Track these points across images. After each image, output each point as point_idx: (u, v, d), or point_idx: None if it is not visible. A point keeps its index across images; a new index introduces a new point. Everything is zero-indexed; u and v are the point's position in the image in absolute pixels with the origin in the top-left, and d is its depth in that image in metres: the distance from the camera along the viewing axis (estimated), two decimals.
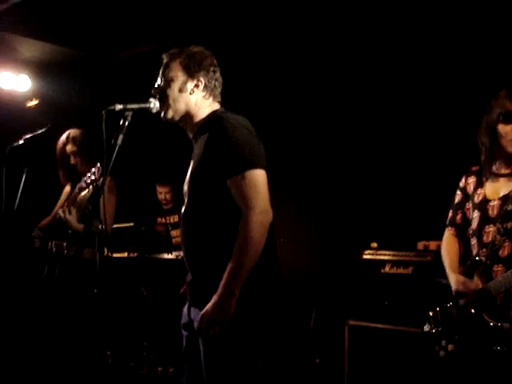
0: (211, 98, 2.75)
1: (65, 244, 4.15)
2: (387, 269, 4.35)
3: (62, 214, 3.95)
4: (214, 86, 2.75)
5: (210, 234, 2.55)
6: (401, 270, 4.28)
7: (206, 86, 2.73)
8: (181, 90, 2.71)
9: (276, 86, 5.36)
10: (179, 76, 2.72)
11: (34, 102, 5.47)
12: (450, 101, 4.53)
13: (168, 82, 2.71)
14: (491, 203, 2.88)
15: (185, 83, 2.71)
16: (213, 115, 2.71)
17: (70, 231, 4.05)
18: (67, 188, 4.45)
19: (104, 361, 4.47)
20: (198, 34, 5.01)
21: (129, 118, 2.69)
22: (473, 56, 4.37)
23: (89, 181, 3.74)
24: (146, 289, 5.41)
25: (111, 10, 4.91)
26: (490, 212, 2.87)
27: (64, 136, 4.32)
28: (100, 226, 2.74)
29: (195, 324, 2.51)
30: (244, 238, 2.41)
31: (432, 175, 4.57)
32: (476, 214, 2.92)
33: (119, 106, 2.66)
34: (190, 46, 2.79)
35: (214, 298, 2.40)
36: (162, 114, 2.74)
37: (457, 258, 3.02)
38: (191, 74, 2.72)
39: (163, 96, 2.72)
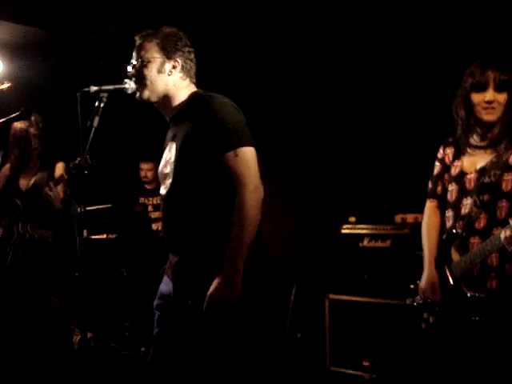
0: (188, 79, 2.75)
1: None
2: (365, 242, 4.39)
3: (49, 192, 3.97)
4: (190, 66, 2.75)
5: (200, 214, 2.58)
6: (379, 244, 4.33)
7: (183, 67, 2.72)
8: (159, 71, 2.70)
9: (253, 66, 5.35)
10: (156, 57, 2.70)
11: (6, 85, 5.38)
12: (424, 72, 4.54)
13: (145, 63, 2.69)
14: (468, 176, 2.89)
15: (162, 64, 2.69)
16: (195, 96, 2.71)
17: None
18: (6, 168, 4.42)
19: (86, 343, 4.50)
20: (171, 10, 4.98)
21: (104, 100, 2.67)
22: (442, 23, 4.40)
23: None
24: (126, 270, 5.41)
25: None
26: (467, 185, 2.88)
27: (29, 118, 4.30)
28: (79, 209, 2.73)
29: (189, 302, 2.53)
30: (242, 215, 2.45)
31: (408, 147, 4.60)
32: (453, 187, 2.94)
33: (94, 88, 2.65)
34: (162, 26, 2.78)
35: (220, 277, 2.42)
36: (138, 95, 2.72)
37: (436, 237, 3.03)
38: (168, 54, 2.70)
39: (140, 77, 2.70)
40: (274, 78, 5.31)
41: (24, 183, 4.33)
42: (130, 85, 2.73)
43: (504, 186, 2.79)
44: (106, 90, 2.67)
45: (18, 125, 4.32)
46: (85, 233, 4.11)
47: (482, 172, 2.86)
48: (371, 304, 4.24)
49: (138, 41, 2.75)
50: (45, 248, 4.25)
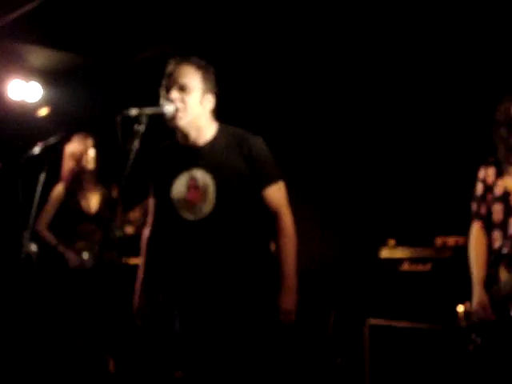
0: (211, 114, 2.88)
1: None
2: (405, 266, 4.32)
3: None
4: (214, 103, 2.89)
5: (244, 237, 2.81)
6: (419, 267, 4.25)
7: (214, 102, 2.86)
8: (200, 102, 2.80)
9: (281, 86, 5.35)
10: (199, 87, 2.79)
11: (45, 111, 5.46)
12: (463, 95, 4.49)
13: (188, 91, 2.76)
14: None
15: (202, 96, 2.80)
16: (228, 129, 2.88)
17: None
18: (60, 189, 4.46)
19: (123, 367, 4.49)
20: (205, 36, 5.01)
21: (144, 123, 2.67)
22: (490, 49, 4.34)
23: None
24: (162, 294, 5.39)
25: (119, 16, 4.91)
26: None
27: (85, 140, 4.38)
28: (118, 233, 2.74)
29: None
30: (289, 239, 2.82)
31: (448, 169, 4.54)
32: (498, 207, 2.90)
33: (134, 111, 2.65)
34: (192, 57, 2.86)
35: (287, 292, 2.76)
36: (175, 120, 2.76)
37: (484, 258, 3.00)
38: (208, 88, 2.83)
39: (182, 102, 2.74)
40: (301, 101, 5.31)
41: (86, 205, 4.38)
42: (169, 109, 2.74)
43: None
44: (145, 113, 2.68)
45: (74, 146, 4.39)
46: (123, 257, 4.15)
47: None
48: (412, 329, 4.16)
49: (176, 65, 2.79)
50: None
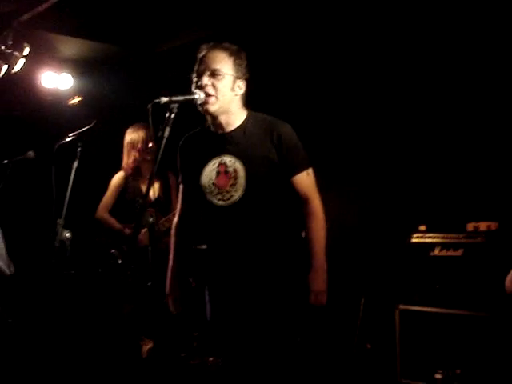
0: (243, 100, 2.91)
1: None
2: (436, 252, 4.29)
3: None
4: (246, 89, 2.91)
5: (274, 222, 2.85)
6: (451, 253, 4.22)
7: (245, 89, 2.89)
8: (231, 89, 2.81)
9: (306, 72, 5.33)
10: (230, 73, 2.81)
11: (76, 100, 5.52)
12: (494, 87, 4.44)
13: (220, 77, 2.78)
14: None
15: (234, 82, 2.81)
16: (259, 116, 2.91)
17: None
18: (120, 176, 4.52)
19: (156, 352, 4.54)
20: (235, 23, 5.01)
21: (175, 110, 2.69)
22: None
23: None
24: (195, 280, 5.44)
25: (148, 5, 4.93)
26: None
27: (144, 130, 4.44)
28: (151, 220, 2.77)
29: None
30: (320, 222, 2.87)
31: (479, 155, 4.49)
32: None
33: (165, 99, 2.67)
34: (225, 43, 2.87)
35: (318, 274, 2.82)
36: (206, 107, 2.78)
37: None
38: (239, 74, 2.85)
39: (213, 88, 2.75)
40: (331, 88, 5.29)
41: (152, 194, 4.45)
42: (199, 95, 2.76)
43: None
44: (176, 101, 2.69)
45: (134, 136, 4.45)
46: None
47: None
48: (443, 315, 4.14)
49: (208, 51, 2.79)
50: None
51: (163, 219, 4.41)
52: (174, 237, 3.05)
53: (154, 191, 4.45)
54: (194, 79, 2.84)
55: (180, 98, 2.72)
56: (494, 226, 3.83)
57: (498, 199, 3.10)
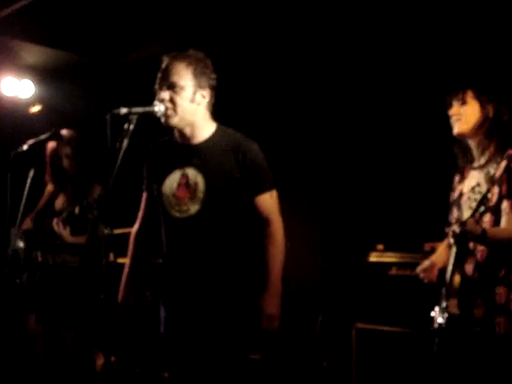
0: (209, 110, 2.87)
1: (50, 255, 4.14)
2: (394, 271, 4.32)
3: (56, 228, 3.94)
4: (213, 96, 2.87)
5: (229, 240, 2.81)
6: (407, 272, 4.26)
7: (210, 98, 2.84)
8: (191, 101, 2.77)
9: (272, 86, 5.34)
10: (189, 85, 2.77)
11: (37, 108, 5.45)
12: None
13: (177, 90, 2.75)
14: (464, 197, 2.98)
15: (194, 93, 2.78)
16: (227, 132, 2.88)
17: (59, 242, 4.05)
18: (50, 187, 4.42)
19: (109, 367, 4.47)
20: (201, 35, 5.00)
21: (133, 122, 2.66)
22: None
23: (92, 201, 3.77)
24: (151, 294, 5.38)
25: (113, 15, 4.90)
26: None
27: (59, 138, 4.28)
28: (106, 231, 2.72)
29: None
30: (278, 245, 2.83)
31: (437, 175, 4.53)
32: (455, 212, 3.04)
33: (124, 110, 2.65)
34: (189, 50, 2.83)
35: (271, 298, 2.77)
36: (165, 120, 2.77)
37: None
38: (200, 84, 2.79)
39: (171, 102, 2.73)
40: (289, 99, 5.30)
41: (58, 204, 4.32)
42: (159, 108, 2.74)
43: None
44: (135, 113, 2.67)
45: (49, 144, 4.32)
46: (111, 256, 4.12)
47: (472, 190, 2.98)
48: (399, 334, 4.16)
49: (168, 62, 2.78)
50: (70, 273, 4.19)
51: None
52: (131, 245, 3.02)
53: (62, 204, 4.31)
54: (156, 92, 2.82)
55: (139, 109, 2.70)
56: None
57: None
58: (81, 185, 4.25)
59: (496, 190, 2.80)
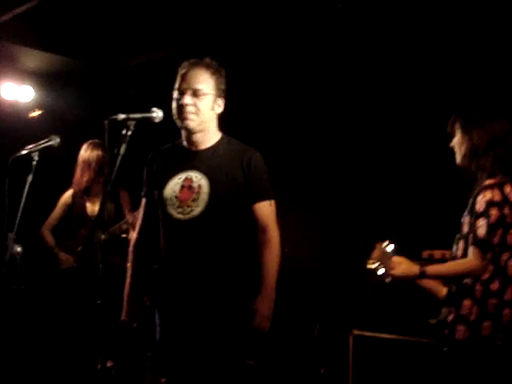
0: (217, 120, 2.93)
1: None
2: (392, 278, 4.30)
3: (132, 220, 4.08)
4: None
5: (229, 242, 2.86)
6: None
7: (223, 107, 2.92)
8: (211, 108, 2.85)
9: (269, 84, 5.35)
10: (211, 93, 2.84)
11: (36, 113, 5.46)
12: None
13: (201, 96, 2.81)
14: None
15: (214, 101, 2.85)
16: (232, 141, 2.95)
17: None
18: (69, 194, 4.46)
19: (107, 372, 4.47)
20: (199, 42, 5.01)
21: (131, 128, 2.66)
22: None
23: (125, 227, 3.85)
24: (149, 299, 5.37)
25: (113, 21, 4.91)
26: None
27: (103, 152, 4.36)
28: (103, 237, 2.73)
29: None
30: (274, 251, 2.87)
31: (437, 183, 4.54)
32: None
33: (122, 116, 2.65)
34: (206, 59, 2.90)
35: (265, 300, 2.81)
36: (186, 122, 2.81)
37: None
38: (218, 93, 2.87)
39: (194, 108, 2.80)
40: (292, 101, 5.31)
41: (91, 210, 4.38)
42: (157, 114, 2.76)
43: None
44: (133, 119, 2.67)
45: (95, 152, 4.39)
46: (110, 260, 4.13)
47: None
48: (396, 341, 4.16)
49: (190, 69, 2.82)
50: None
51: (114, 226, 4.33)
52: (132, 253, 3.03)
53: (94, 209, 4.39)
54: (175, 96, 2.85)
55: (138, 115, 2.70)
56: (448, 254, 3.86)
57: (453, 228, 3.12)
58: (112, 190, 4.33)
59: (467, 219, 2.84)
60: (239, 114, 5.17)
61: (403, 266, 2.86)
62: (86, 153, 4.49)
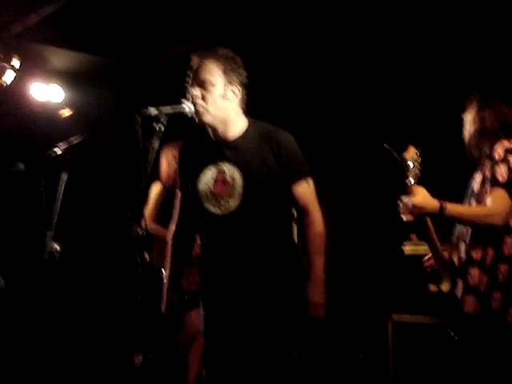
0: (241, 106, 2.85)
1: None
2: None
3: None
4: (244, 92, 2.85)
5: (270, 233, 2.81)
6: None
7: (241, 94, 2.82)
8: (223, 97, 2.75)
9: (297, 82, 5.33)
10: (219, 81, 2.75)
11: (68, 112, 5.50)
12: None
13: (208, 86, 2.74)
14: None
15: (225, 90, 2.74)
16: (260, 125, 2.86)
17: None
18: (159, 187, 4.46)
19: (148, 364, 4.51)
20: (226, 34, 5.00)
21: (164, 122, 2.67)
22: None
23: None
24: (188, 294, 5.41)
25: (138, 15, 4.92)
26: None
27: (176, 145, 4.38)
28: (140, 231, 2.74)
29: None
30: (319, 231, 2.82)
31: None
32: None
33: (154, 111, 2.65)
34: (217, 48, 2.82)
35: (316, 286, 2.77)
36: (199, 119, 2.75)
37: None
38: (230, 79, 2.77)
39: (203, 99, 2.73)
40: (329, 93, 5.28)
41: None
42: (189, 107, 2.75)
43: None
44: (165, 113, 2.68)
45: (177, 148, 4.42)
46: (146, 256, 4.15)
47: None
48: (435, 325, 4.12)
49: (197, 60, 2.77)
50: None
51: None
52: (170, 246, 3.02)
53: None
54: (187, 90, 2.82)
55: (169, 109, 2.70)
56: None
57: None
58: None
59: (479, 177, 2.82)
60: (266, 101, 5.19)
61: (424, 195, 2.75)
62: (175, 150, 4.43)
